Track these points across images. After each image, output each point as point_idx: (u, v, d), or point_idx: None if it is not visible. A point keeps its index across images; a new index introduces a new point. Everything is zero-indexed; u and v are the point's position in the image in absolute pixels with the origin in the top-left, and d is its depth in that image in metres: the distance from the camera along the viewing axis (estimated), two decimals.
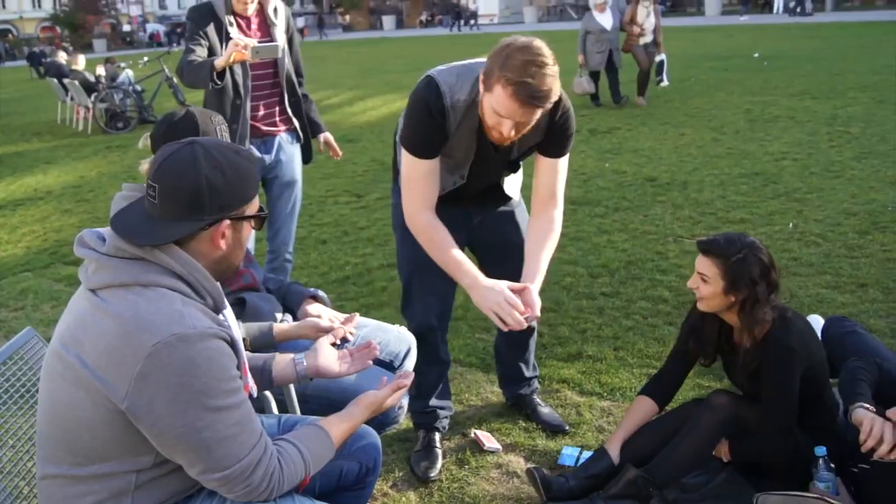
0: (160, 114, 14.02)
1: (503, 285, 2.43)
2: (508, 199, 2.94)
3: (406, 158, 2.60)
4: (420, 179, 2.58)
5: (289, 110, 4.09)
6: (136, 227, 1.66)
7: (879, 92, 10.87)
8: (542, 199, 2.69)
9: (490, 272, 2.56)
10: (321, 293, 2.88)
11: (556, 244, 2.67)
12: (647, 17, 11.12)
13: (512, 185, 2.92)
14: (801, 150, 7.86)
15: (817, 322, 3.37)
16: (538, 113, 2.36)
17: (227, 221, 1.70)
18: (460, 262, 2.54)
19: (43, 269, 6.01)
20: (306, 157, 4.29)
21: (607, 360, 3.79)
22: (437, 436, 3.16)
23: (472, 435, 3.22)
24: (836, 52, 16.63)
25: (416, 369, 2.80)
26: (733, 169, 7.29)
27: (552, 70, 2.27)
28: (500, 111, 2.33)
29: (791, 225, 5.54)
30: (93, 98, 13.36)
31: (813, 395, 2.58)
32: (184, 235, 1.66)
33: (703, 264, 2.57)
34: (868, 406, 2.37)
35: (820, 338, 3.01)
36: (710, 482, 2.77)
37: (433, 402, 3.16)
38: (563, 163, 2.69)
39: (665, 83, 11.78)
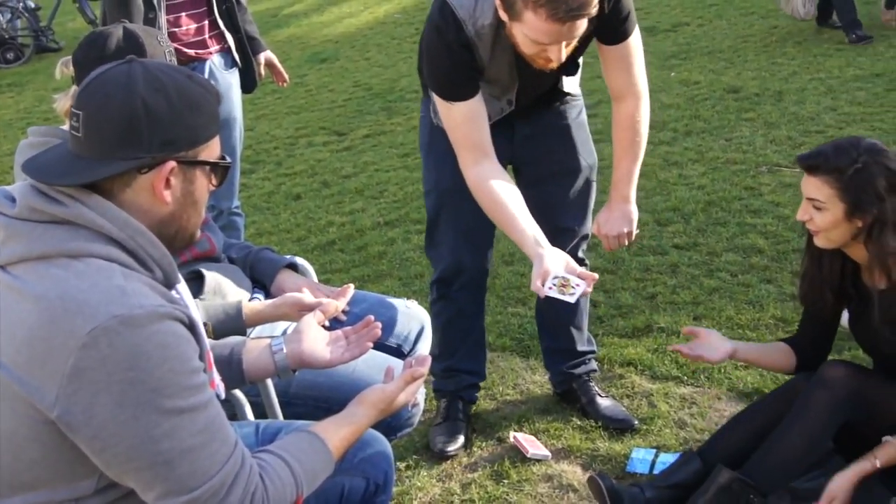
0: (63, 39, 14.03)
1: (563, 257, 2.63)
2: (563, 96, 3.07)
3: (439, 104, 2.77)
4: (460, 127, 2.78)
5: (220, 23, 4.11)
6: (53, 169, 1.70)
7: None
8: (616, 95, 2.95)
9: (529, 196, 2.84)
10: (301, 261, 2.93)
11: (643, 146, 2.98)
12: None
13: (569, 81, 3.05)
14: None
15: None
16: (585, 22, 2.52)
17: (173, 164, 1.72)
18: (515, 220, 2.70)
19: None
20: (247, 85, 4.32)
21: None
22: (461, 404, 3.28)
23: (511, 439, 3.27)
24: None
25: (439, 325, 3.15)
26: (845, 71, 7.25)
27: None
28: (541, 39, 2.52)
29: None
30: None
31: None
32: (113, 174, 1.68)
33: (812, 186, 2.58)
34: None
35: None
36: None
37: (457, 362, 3.26)
38: (632, 45, 2.87)
39: None
